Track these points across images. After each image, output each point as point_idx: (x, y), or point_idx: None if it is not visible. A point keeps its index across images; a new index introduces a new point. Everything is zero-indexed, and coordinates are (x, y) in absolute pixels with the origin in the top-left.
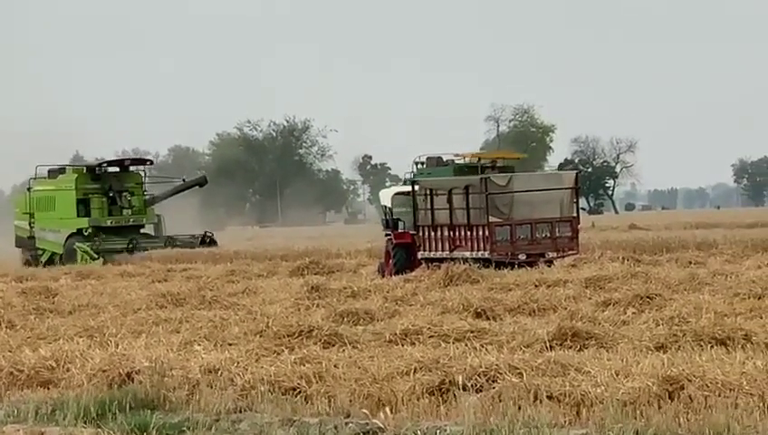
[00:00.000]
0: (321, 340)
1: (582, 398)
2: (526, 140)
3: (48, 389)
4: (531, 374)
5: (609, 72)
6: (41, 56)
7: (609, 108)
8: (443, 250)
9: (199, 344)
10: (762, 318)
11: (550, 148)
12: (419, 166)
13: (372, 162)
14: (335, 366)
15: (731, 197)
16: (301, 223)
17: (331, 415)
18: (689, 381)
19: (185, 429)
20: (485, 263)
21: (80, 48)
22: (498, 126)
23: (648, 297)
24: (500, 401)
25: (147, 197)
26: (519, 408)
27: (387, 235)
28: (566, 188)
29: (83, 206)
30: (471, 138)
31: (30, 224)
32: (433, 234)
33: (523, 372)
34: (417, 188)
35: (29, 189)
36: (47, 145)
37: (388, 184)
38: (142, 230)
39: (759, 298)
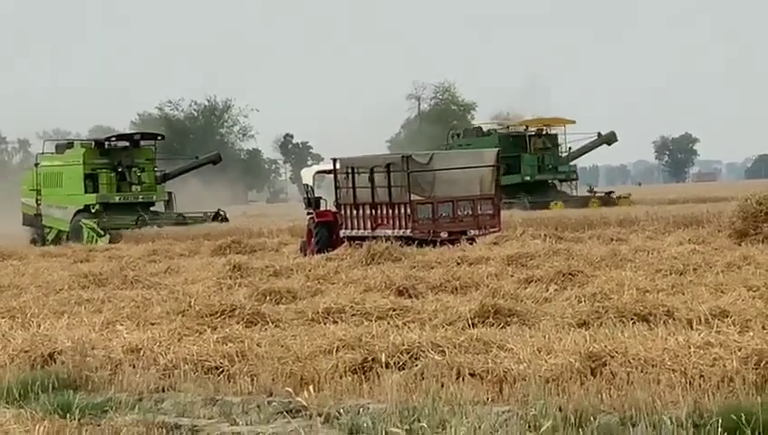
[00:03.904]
0: (243, 319)
1: (505, 375)
2: (447, 117)
3: None
4: (453, 352)
5: (528, 48)
6: None
7: (530, 85)
8: (365, 228)
9: (122, 324)
10: (683, 294)
11: (472, 126)
12: (455, 137)
13: (294, 141)
14: (258, 345)
15: (652, 173)
16: (222, 203)
17: (254, 394)
18: (611, 357)
19: (107, 409)
20: (407, 241)
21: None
22: (420, 104)
23: (570, 274)
24: (422, 378)
25: (158, 173)
26: (442, 385)
27: (309, 213)
28: (487, 166)
29: (91, 181)
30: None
31: (37, 201)
32: (355, 212)
33: (445, 350)
34: (338, 166)
35: (36, 165)
36: None
37: (309, 163)
38: (152, 208)
39: (680, 274)
